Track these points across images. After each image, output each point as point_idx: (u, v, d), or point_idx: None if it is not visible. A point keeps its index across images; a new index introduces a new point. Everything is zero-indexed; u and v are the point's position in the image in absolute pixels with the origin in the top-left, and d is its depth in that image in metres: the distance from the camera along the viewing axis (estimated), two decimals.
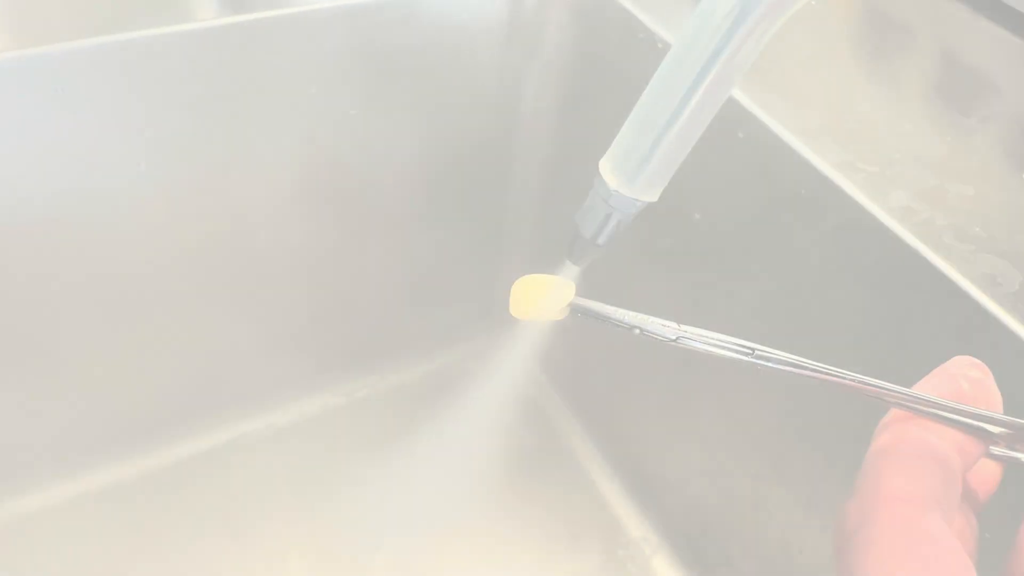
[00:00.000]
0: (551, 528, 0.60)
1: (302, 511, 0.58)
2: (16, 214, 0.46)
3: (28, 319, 0.50)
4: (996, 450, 0.22)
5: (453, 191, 0.60)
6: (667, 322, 0.21)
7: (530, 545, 0.59)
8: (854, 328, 0.40)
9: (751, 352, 0.21)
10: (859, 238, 0.39)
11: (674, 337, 0.20)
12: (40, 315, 0.51)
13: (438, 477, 0.57)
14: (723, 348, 0.21)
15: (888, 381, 0.22)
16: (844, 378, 0.21)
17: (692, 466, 0.56)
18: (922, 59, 0.51)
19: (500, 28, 0.53)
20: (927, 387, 0.22)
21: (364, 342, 0.63)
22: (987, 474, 0.24)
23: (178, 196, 0.50)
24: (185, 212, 0.51)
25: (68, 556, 0.55)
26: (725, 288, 0.48)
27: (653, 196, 0.26)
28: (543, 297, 0.22)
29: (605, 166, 0.26)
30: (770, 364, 0.21)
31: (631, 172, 0.25)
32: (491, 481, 0.61)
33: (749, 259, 0.46)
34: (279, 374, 0.61)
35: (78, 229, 0.48)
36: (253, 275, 0.56)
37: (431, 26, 0.51)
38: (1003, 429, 0.22)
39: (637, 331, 0.20)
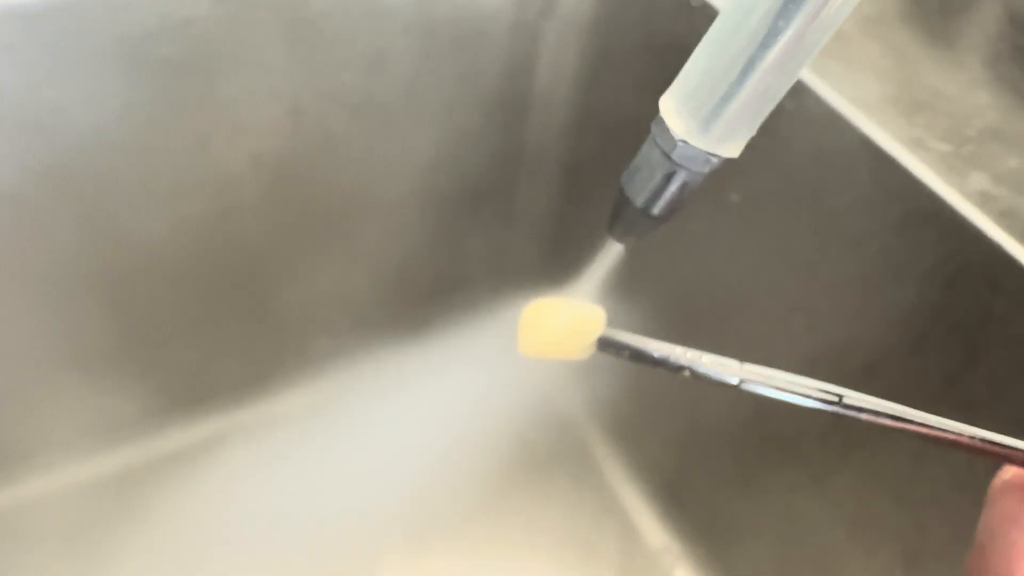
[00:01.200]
0: (563, 535, 0.58)
1: (302, 510, 0.55)
2: None
3: None
4: None
5: (460, 164, 0.57)
6: (726, 360, 0.15)
7: (540, 553, 0.58)
8: (922, 335, 0.37)
9: (838, 400, 0.16)
10: (929, 228, 0.36)
11: (736, 381, 0.15)
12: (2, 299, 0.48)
13: (445, 478, 0.54)
14: (800, 394, 0.15)
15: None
16: (960, 435, 0.16)
17: (719, 471, 0.53)
18: (987, 21, 0.51)
19: None
20: None
21: (353, 330, 0.61)
22: None
23: (151, 171, 0.47)
24: (160, 189, 0.48)
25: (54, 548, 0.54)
26: (765, 282, 0.45)
27: (734, 150, 0.19)
28: (563, 330, 0.16)
29: (668, 106, 0.19)
30: (863, 416, 0.16)
31: (706, 115, 0.19)
32: (501, 483, 0.59)
33: (796, 250, 0.43)
34: (268, 363, 0.60)
35: (40, 207, 0.46)
36: (236, 259, 0.54)
37: None
38: None
39: (687, 373, 0.15)
